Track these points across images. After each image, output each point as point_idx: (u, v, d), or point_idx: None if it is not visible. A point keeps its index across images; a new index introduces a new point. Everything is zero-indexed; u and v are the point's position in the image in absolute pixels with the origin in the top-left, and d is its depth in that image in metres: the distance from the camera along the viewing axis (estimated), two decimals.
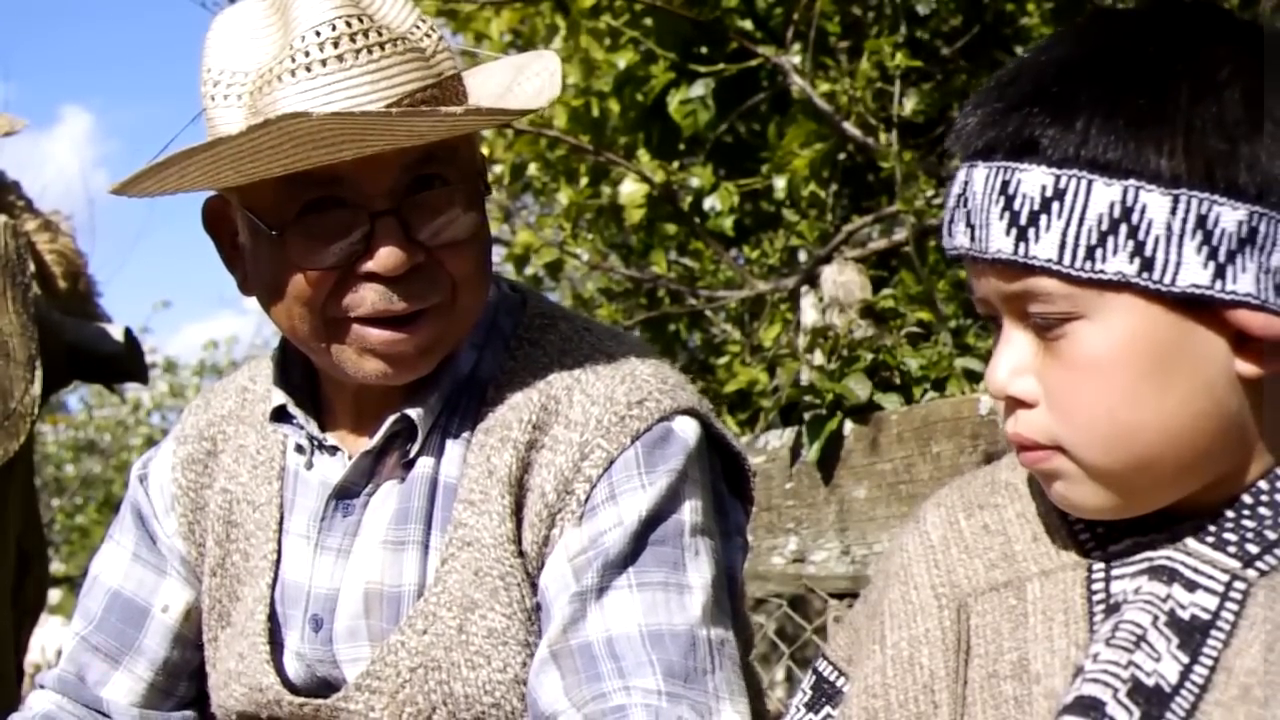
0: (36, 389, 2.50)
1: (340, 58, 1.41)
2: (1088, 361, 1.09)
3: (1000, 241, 1.09)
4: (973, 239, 1.12)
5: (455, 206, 1.48)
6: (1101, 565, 1.16)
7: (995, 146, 1.10)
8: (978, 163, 1.12)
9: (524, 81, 1.56)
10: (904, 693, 1.20)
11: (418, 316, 1.48)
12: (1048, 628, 1.16)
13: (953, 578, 1.21)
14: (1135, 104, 1.07)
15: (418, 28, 1.48)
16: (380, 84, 1.41)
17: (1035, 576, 1.18)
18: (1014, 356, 1.13)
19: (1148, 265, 1.06)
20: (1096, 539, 1.17)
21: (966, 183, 1.12)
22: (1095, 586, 1.15)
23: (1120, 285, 1.07)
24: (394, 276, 1.45)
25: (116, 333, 3.00)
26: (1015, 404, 1.14)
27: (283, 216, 1.46)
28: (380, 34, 1.42)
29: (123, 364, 3.02)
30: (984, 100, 1.13)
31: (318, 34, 1.41)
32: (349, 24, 1.41)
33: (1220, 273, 1.06)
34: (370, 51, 1.41)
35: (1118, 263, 1.06)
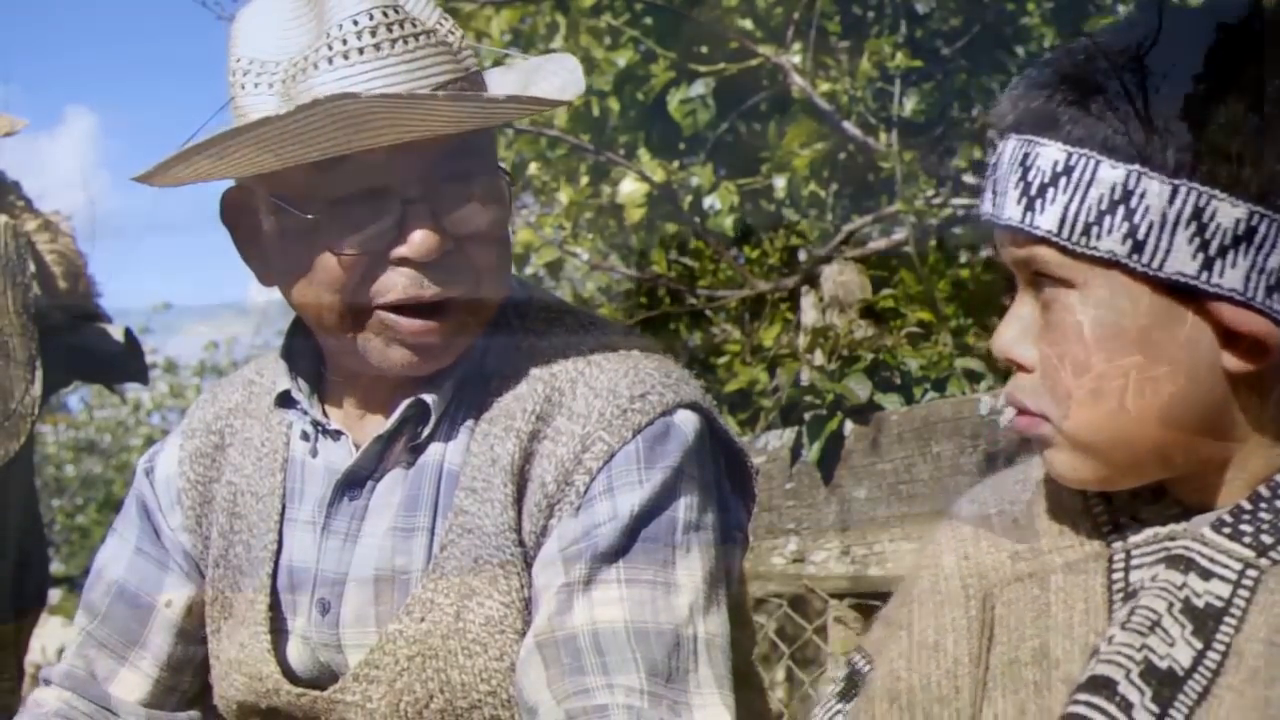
0: (36, 389, 2.50)
1: (377, 46, 1.43)
2: (1072, 332, 1.13)
3: (1012, 209, 1.15)
4: (994, 205, 1.18)
5: (484, 198, 1.50)
6: (1122, 555, 1.20)
7: (1023, 120, 1.16)
8: (1010, 135, 1.17)
9: (540, 81, 1.58)
10: (926, 676, 1.24)
11: (444, 306, 1.49)
12: (1068, 616, 1.20)
13: (980, 569, 1.25)
14: (1153, 96, 1.10)
15: (442, 24, 1.50)
16: (415, 73, 1.44)
17: (1059, 569, 1.22)
18: (1019, 322, 1.18)
19: (1138, 248, 1.10)
20: (1118, 530, 1.21)
21: (999, 153, 1.18)
22: (1115, 575, 1.19)
23: (1111, 263, 1.11)
24: (425, 262, 1.46)
25: (116, 333, 3.00)
26: (1016, 368, 1.19)
27: (314, 203, 1.47)
28: (414, 25, 1.45)
29: (123, 364, 3.01)
30: (1024, 79, 1.18)
31: (355, 23, 1.43)
32: (385, 14, 1.44)
33: (1208, 265, 1.09)
34: (405, 42, 1.44)
35: (1111, 242, 1.10)
